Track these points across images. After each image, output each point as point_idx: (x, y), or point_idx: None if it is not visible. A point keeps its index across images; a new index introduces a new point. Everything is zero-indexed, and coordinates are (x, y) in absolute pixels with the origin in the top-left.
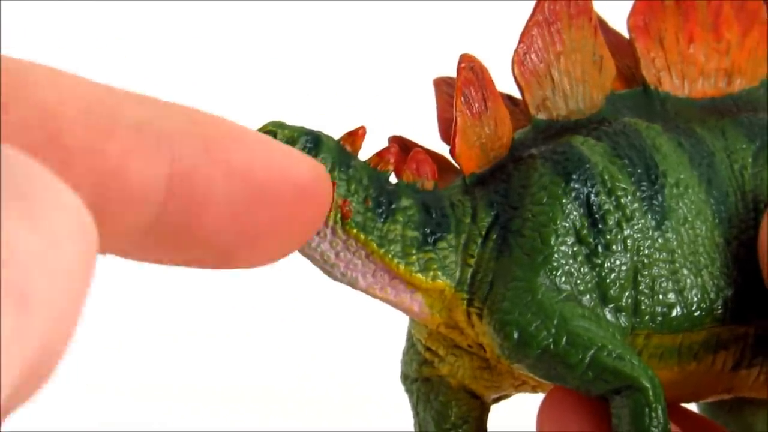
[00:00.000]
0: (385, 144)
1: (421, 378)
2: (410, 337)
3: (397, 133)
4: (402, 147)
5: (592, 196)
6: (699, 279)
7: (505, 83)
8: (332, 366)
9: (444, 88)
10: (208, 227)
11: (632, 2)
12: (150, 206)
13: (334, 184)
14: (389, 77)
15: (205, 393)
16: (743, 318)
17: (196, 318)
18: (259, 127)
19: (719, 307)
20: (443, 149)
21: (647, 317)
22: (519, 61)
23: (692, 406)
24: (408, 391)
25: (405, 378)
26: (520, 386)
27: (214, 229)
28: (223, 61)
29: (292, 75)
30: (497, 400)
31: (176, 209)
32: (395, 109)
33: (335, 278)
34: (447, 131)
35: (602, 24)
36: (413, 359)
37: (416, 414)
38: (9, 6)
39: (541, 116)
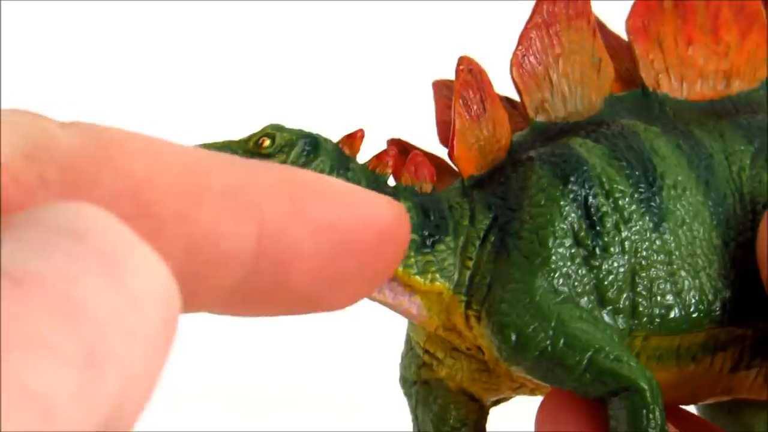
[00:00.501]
0: (384, 146)
1: (420, 381)
2: (409, 340)
3: (396, 136)
4: (400, 149)
5: (590, 198)
6: (697, 281)
7: (504, 85)
8: (331, 369)
9: (443, 90)
10: (296, 282)
11: (631, 4)
12: (240, 267)
13: None
14: (388, 79)
15: (206, 393)
16: (741, 320)
17: (196, 318)
18: (258, 130)
19: (717, 308)
20: (442, 151)
21: (645, 319)
22: (517, 63)
23: (691, 408)
24: (407, 394)
25: (404, 381)
26: (519, 389)
27: (302, 283)
28: (222, 64)
29: (291, 78)
30: (496, 402)
31: (265, 268)
32: (394, 112)
33: None
34: (445, 133)
35: (601, 26)
36: (412, 362)
37: (415, 417)
38: (9, 6)
39: (540, 118)
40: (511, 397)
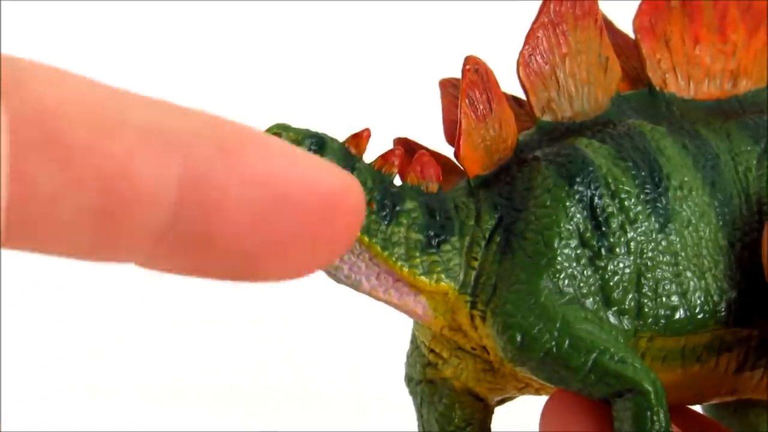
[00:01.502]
0: (390, 146)
1: (425, 380)
2: (414, 340)
3: (402, 135)
4: (407, 149)
5: (596, 198)
6: (702, 281)
7: (511, 85)
8: (336, 368)
9: (449, 89)
10: (224, 234)
11: (638, 3)
12: (160, 210)
13: None
14: (394, 79)
15: (208, 393)
16: (747, 320)
17: (200, 320)
18: (264, 129)
19: (722, 309)
20: (449, 150)
21: (650, 320)
22: (524, 62)
23: (697, 408)
24: (412, 393)
25: (409, 380)
26: (524, 389)
27: (231, 237)
28: (228, 63)
29: (297, 77)
30: (501, 402)
31: (190, 214)
32: (400, 111)
33: (339, 281)
34: (452, 133)
35: (608, 25)
36: (417, 361)
37: (420, 416)
38: (9, 6)
39: (546, 118)
40: (515, 397)
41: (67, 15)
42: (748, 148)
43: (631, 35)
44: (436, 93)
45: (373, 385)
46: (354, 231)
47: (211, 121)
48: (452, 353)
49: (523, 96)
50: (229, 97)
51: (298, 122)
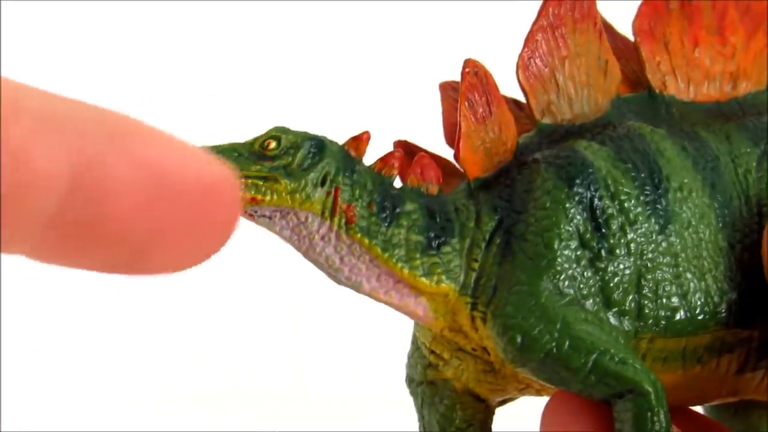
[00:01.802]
0: (390, 148)
1: (426, 381)
2: (415, 341)
3: (403, 138)
4: (407, 151)
5: (596, 200)
6: (703, 283)
7: (510, 88)
8: (337, 369)
9: (450, 92)
10: (113, 221)
11: (637, 5)
12: (53, 193)
13: (337, 193)
14: (394, 81)
15: (208, 394)
16: (747, 321)
17: (200, 321)
18: (264, 132)
19: (723, 310)
20: (449, 153)
21: (651, 321)
22: (523, 65)
23: (699, 409)
24: (413, 394)
25: (410, 381)
26: (525, 389)
27: (117, 222)
28: (228, 65)
29: (297, 80)
30: (502, 403)
31: (79, 199)
32: (400, 114)
33: (340, 282)
34: (452, 135)
35: (607, 27)
36: (418, 362)
37: (421, 417)
38: (9, 6)
39: (546, 120)
40: (516, 398)
41: (67, 15)
42: (748, 149)
43: (631, 38)
44: (437, 96)
45: (374, 387)
46: (232, 223)
47: (102, 112)
48: (453, 354)
49: (522, 99)
50: (230, 99)
51: (297, 125)
